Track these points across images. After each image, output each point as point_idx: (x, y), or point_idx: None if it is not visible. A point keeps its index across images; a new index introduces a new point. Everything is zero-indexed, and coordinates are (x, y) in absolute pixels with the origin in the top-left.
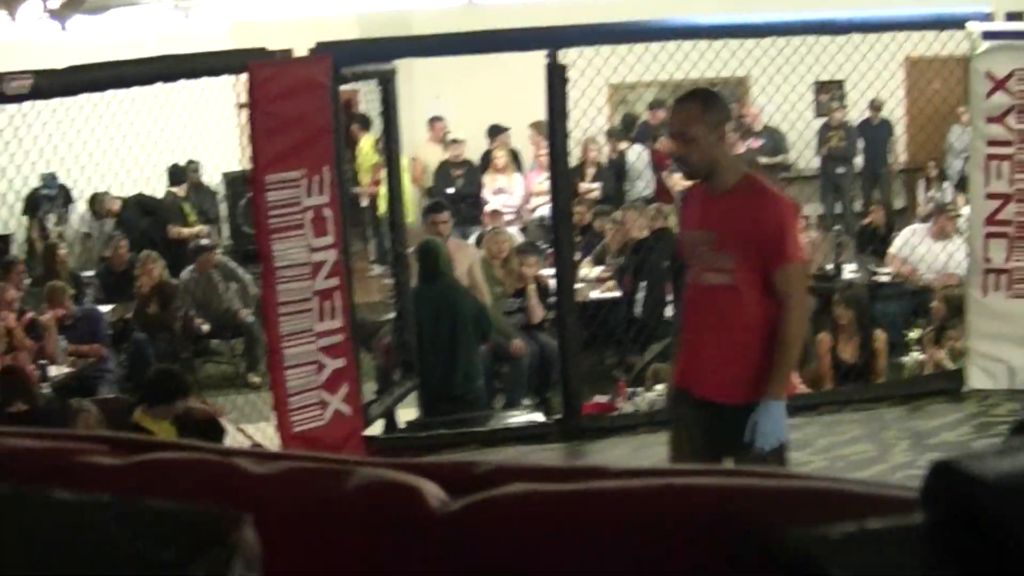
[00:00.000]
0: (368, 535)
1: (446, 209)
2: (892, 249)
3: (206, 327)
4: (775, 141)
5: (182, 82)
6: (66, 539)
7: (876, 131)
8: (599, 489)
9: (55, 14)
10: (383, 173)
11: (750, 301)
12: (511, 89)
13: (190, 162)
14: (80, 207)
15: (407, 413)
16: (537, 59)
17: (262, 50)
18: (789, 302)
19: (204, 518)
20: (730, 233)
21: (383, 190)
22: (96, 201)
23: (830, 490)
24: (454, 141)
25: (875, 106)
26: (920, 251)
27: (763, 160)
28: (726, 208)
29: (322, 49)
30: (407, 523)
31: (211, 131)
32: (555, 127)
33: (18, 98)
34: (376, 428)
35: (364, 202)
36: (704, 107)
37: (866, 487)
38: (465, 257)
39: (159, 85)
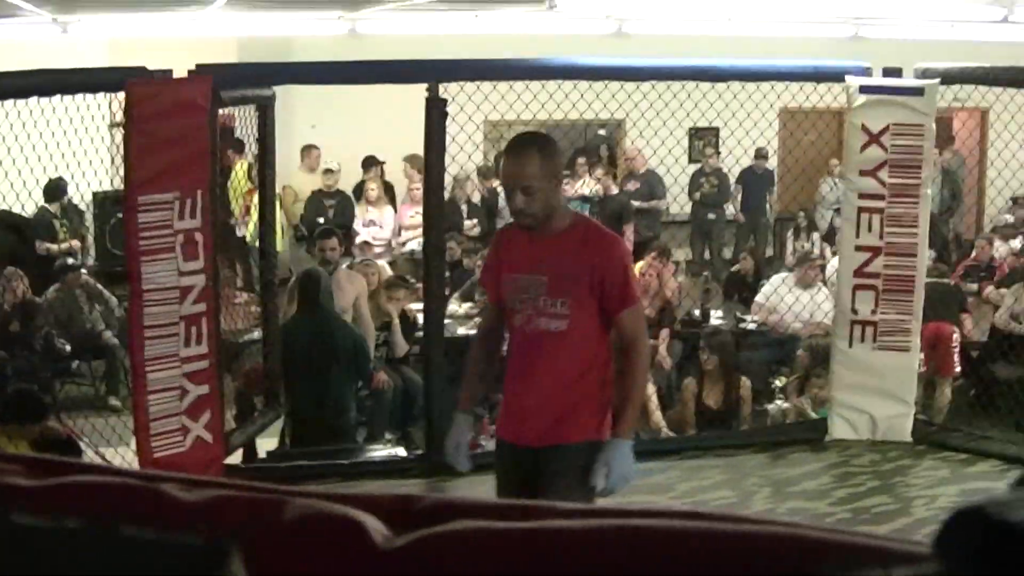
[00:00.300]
0: (311, 570)
1: (335, 236)
2: (759, 297)
3: (68, 347)
4: (651, 186)
5: (57, 98)
6: (44, 569)
7: (759, 180)
8: (549, 529)
9: None
10: (254, 199)
11: (586, 345)
12: (390, 120)
13: (59, 179)
14: None
15: (267, 443)
16: (417, 91)
17: (141, 69)
18: (637, 345)
19: (191, 550)
20: (567, 277)
21: (254, 216)
22: None
23: (794, 536)
24: (328, 170)
25: (760, 155)
26: (787, 299)
27: (638, 204)
28: (561, 251)
29: (203, 71)
30: (351, 558)
31: (83, 149)
32: (432, 161)
33: None
34: (237, 457)
35: (241, 230)
36: (543, 156)
37: (836, 534)
38: (353, 288)
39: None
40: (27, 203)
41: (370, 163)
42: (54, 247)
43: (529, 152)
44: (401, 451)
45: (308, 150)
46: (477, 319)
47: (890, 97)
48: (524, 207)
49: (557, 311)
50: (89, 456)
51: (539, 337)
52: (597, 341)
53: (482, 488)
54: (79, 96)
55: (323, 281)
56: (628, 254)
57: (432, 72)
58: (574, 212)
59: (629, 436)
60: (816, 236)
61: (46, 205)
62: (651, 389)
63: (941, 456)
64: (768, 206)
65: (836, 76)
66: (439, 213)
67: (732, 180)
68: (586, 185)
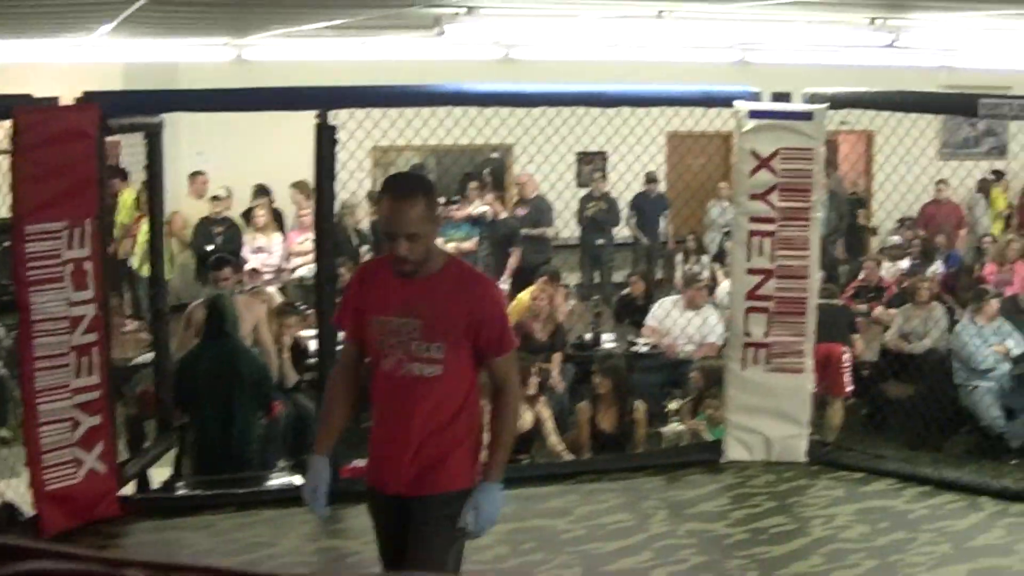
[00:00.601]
0: None
1: (228, 264)
2: (649, 320)
3: None
4: (540, 211)
5: None
6: None
7: (652, 203)
8: None
9: None
10: (142, 227)
11: (458, 389)
12: (277, 147)
13: None
14: None
15: (160, 472)
16: (304, 118)
17: (27, 96)
18: (510, 387)
19: None
20: (442, 321)
21: (141, 244)
22: None
23: None
24: (215, 197)
25: (651, 179)
26: (679, 322)
27: (525, 231)
28: (435, 294)
29: (89, 98)
30: None
31: None
32: (322, 187)
33: None
34: (132, 487)
35: (133, 261)
36: (428, 201)
37: None
38: (251, 315)
39: None
40: None
41: (261, 192)
42: None
43: (414, 198)
44: (297, 479)
45: (195, 176)
46: None
47: (779, 122)
48: (407, 255)
49: (431, 356)
50: None
51: (411, 382)
52: (469, 384)
53: None
54: None
55: (229, 308)
56: (503, 297)
57: (321, 99)
58: (446, 253)
59: (499, 479)
60: (705, 258)
61: None
62: (546, 413)
63: (836, 475)
64: (661, 230)
65: (725, 101)
66: (330, 239)
67: (622, 204)
68: (475, 208)
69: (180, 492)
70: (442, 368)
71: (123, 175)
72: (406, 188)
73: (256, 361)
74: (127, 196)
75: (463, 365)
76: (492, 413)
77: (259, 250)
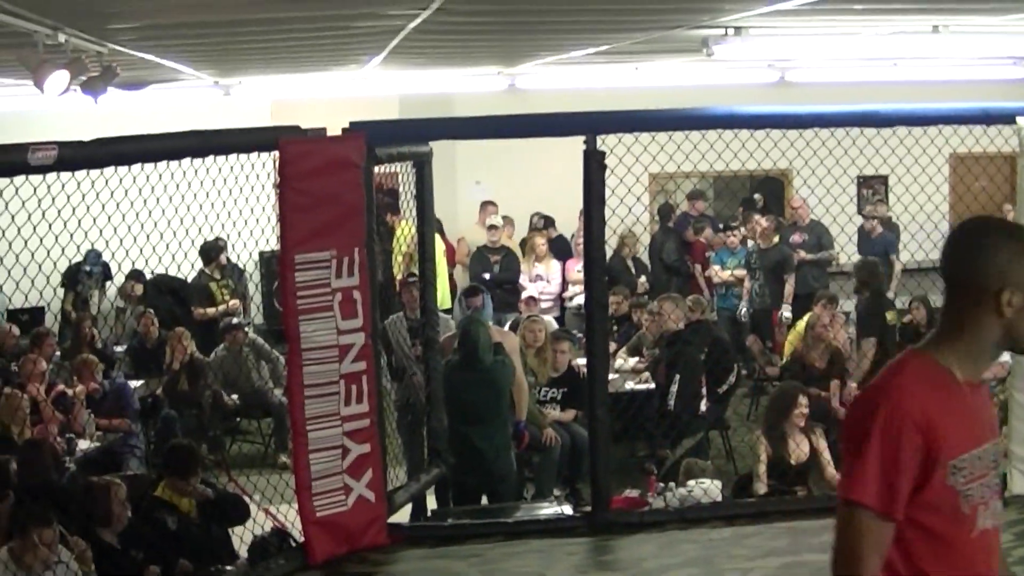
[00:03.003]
0: None
1: (480, 292)
2: None
3: (235, 400)
4: (818, 235)
5: (231, 159)
6: None
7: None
8: None
9: (87, 87)
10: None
11: None
12: (554, 174)
13: (218, 239)
14: (119, 282)
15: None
16: (580, 145)
17: (295, 127)
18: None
19: None
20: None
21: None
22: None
23: None
24: (492, 226)
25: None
26: None
27: (805, 255)
28: (987, 401)
29: (356, 127)
30: None
31: (249, 208)
32: (591, 214)
33: (43, 169)
34: (401, 515)
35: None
36: None
37: None
38: (505, 345)
39: (206, 160)
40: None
41: (543, 222)
42: (211, 310)
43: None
44: (568, 508)
45: (485, 206)
46: (645, 375)
47: None
48: None
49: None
50: (257, 515)
51: (995, 537)
52: None
53: (647, 547)
54: (244, 156)
55: (482, 334)
56: None
57: (589, 124)
58: None
59: None
60: None
61: (204, 268)
62: (823, 444)
63: None
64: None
65: (1007, 118)
66: (600, 267)
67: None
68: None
69: (448, 520)
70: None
71: (394, 207)
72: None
73: (511, 376)
74: (405, 228)
75: None
76: None
77: (537, 278)
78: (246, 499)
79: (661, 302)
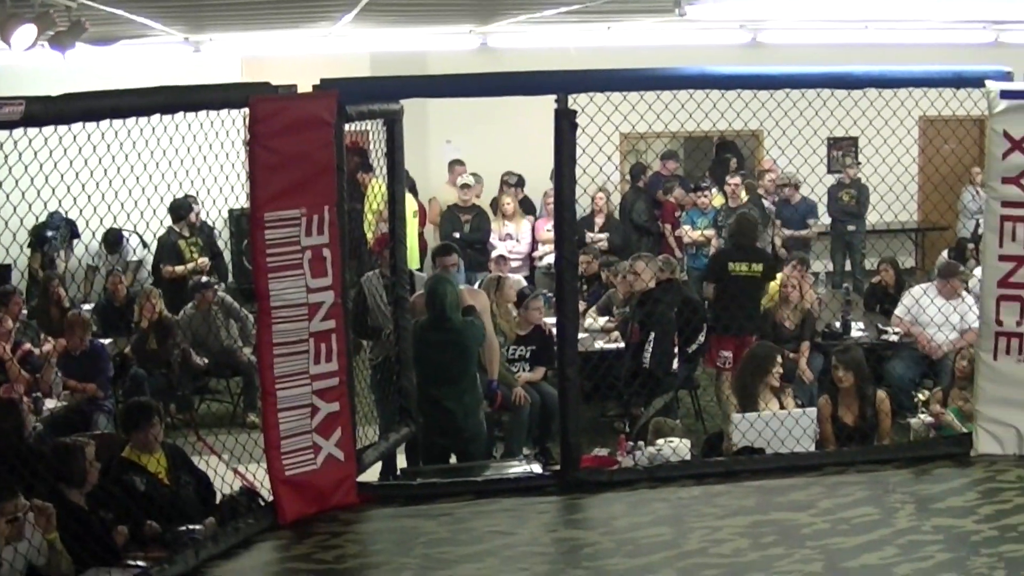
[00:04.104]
0: None
1: (454, 251)
2: (899, 310)
3: (204, 359)
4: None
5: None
6: None
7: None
8: None
9: (55, 42)
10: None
11: None
12: (525, 134)
13: (187, 196)
14: (88, 240)
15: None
16: (551, 104)
17: (266, 85)
18: None
19: None
20: None
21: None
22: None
23: None
24: (463, 185)
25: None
26: (930, 310)
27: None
28: None
29: (327, 85)
30: None
31: (219, 165)
32: (562, 173)
33: (9, 124)
34: (370, 474)
35: None
36: None
37: None
38: (476, 305)
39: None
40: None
41: (512, 181)
42: (178, 268)
43: None
44: (537, 468)
45: (453, 165)
46: (615, 334)
47: None
48: None
49: None
50: (225, 473)
51: None
52: None
53: (616, 506)
54: (214, 113)
55: (449, 292)
56: None
57: (560, 83)
58: None
59: None
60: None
61: (173, 226)
62: (792, 404)
63: None
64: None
65: (976, 81)
66: (571, 227)
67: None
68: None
69: (418, 480)
70: None
71: (369, 166)
72: None
73: (480, 335)
74: (377, 187)
75: None
76: None
77: (507, 237)
78: (215, 458)
79: (634, 261)
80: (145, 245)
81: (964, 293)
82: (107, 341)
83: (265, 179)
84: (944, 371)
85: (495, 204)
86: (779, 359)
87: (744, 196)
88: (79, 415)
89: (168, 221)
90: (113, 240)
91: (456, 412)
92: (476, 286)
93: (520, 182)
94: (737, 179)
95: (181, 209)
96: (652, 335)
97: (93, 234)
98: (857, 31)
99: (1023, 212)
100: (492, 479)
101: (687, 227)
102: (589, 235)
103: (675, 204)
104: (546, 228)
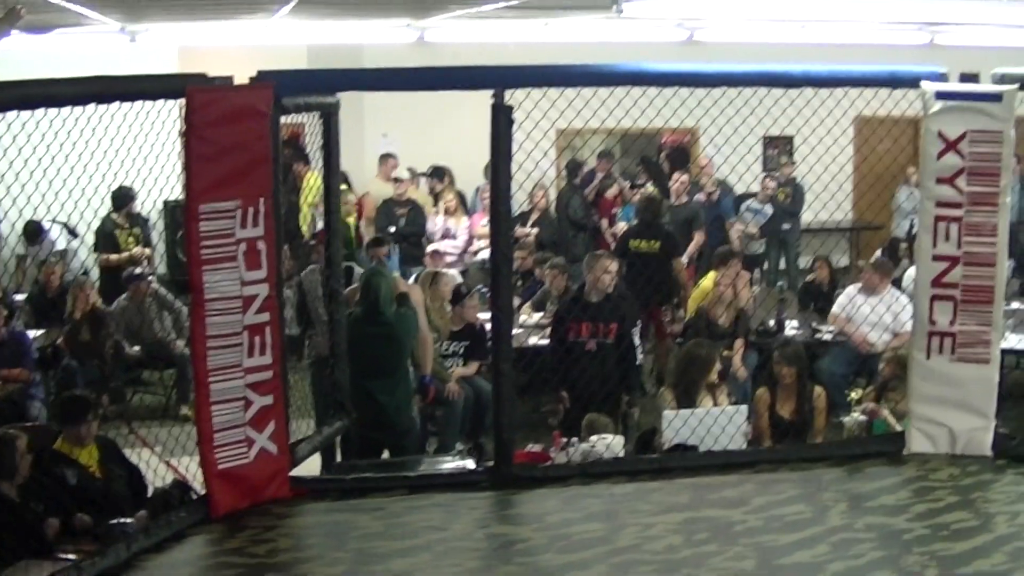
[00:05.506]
0: None
1: (386, 243)
2: (835, 308)
3: (137, 351)
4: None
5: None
6: None
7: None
8: None
9: None
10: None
11: None
12: (461, 128)
13: (122, 187)
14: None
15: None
16: (487, 99)
17: (202, 75)
18: None
19: None
20: None
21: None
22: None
23: None
24: (397, 179)
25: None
26: (863, 310)
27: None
28: None
29: (263, 77)
30: None
31: (155, 156)
32: (498, 169)
33: None
34: (304, 468)
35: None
36: None
37: None
38: (410, 298)
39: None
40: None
41: (440, 174)
42: (113, 257)
43: None
44: (470, 463)
45: (385, 159)
46: (548, 330)
47: (967, 103)
48: None
49: None
50: (157, 467)
51: None
52: None
53: (550, 501)
54: (150, 103)
55: (383, 285)
56: None
57: (497, 78)
58: None
59: None
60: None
61: (112, 216)
62: (726, 401)
63: (1023, 471)
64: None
65: (911, 82)
66: (506, 222)
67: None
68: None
69: (351, 474)
70: None
71: (305, 158)
72: None
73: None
74: (312, 179)
75: None
76: None
77: (445, 233)
78: (148, 451)
79: (598, 259)
80: (74, 234)
81: (896, 292)
82: (38, 333)
83: (200, 170)
84: (877, 369)
85: (438, 198)
86: (718, 360)
87: (685, 198)
88: (11, 405)
89: (102, 212)
90: (32, 231)
91: (388, 406)
92: (411, 281)
93: (440, 174)
94: (685, 177)
95: (123, 198)
96: (636, 330)
97: (13, 226)
98: (794, 30)
99: (957, 212)
100: (426, 474)
101: (623, 223)
102: (519, 230)
103: (611, 201)
104: (482, 223)
